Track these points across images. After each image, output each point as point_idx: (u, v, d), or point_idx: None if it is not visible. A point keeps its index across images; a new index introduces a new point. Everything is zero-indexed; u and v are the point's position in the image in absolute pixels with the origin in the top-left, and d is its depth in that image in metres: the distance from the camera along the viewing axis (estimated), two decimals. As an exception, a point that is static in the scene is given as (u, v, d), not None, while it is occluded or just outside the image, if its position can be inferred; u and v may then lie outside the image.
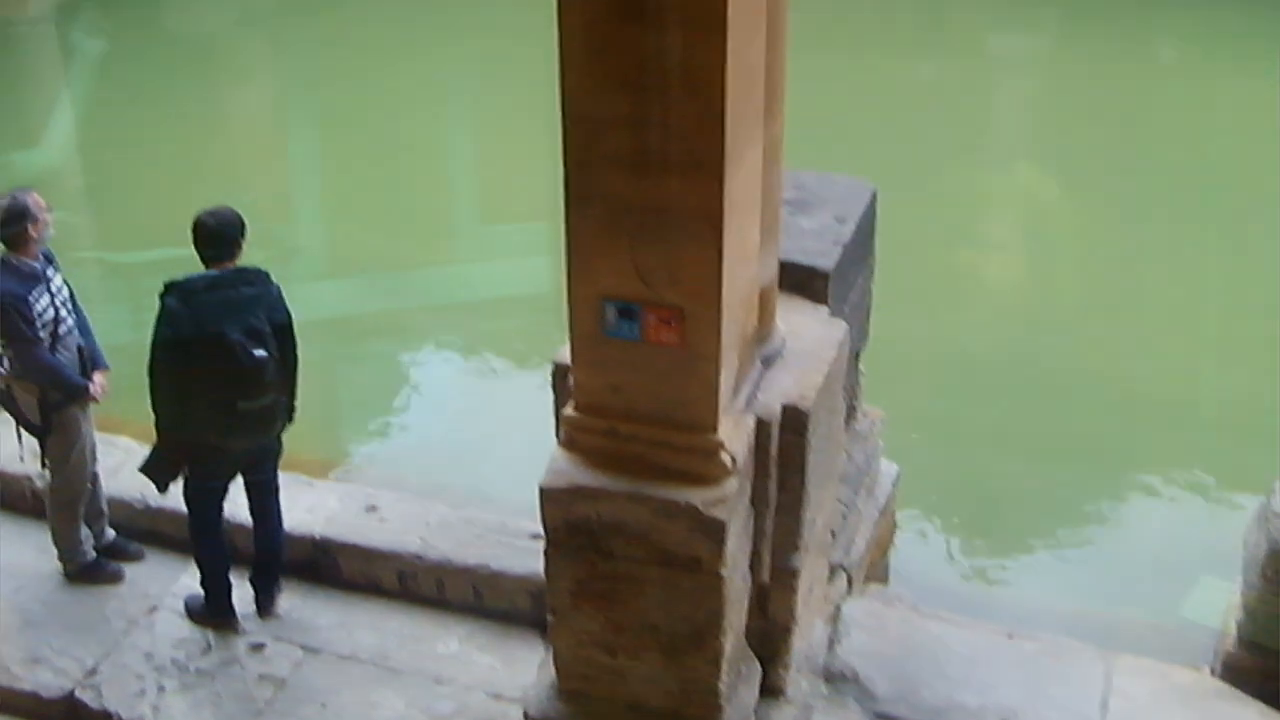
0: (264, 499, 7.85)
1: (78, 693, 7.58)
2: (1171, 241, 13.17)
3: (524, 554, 7.80)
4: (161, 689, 7.58)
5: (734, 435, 5.98)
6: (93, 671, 7.68)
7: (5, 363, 7.73)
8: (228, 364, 7.25)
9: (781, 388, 6.32)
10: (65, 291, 7.84)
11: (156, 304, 7.14)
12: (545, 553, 6.26)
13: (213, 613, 7.92)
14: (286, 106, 17.76)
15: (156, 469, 7.62)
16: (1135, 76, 16.45)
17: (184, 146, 15.27)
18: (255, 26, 19.28)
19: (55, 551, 8.22)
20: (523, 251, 13.45)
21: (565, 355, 6.14)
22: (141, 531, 8.48)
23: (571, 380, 6.06)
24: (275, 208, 14.18)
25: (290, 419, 7.69)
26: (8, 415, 8.00)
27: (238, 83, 17.99)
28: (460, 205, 15.13)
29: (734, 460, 5.95)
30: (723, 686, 6.33)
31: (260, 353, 7.28)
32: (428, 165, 15.49)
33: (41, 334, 7.64)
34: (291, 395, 7.63)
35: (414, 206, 14.40)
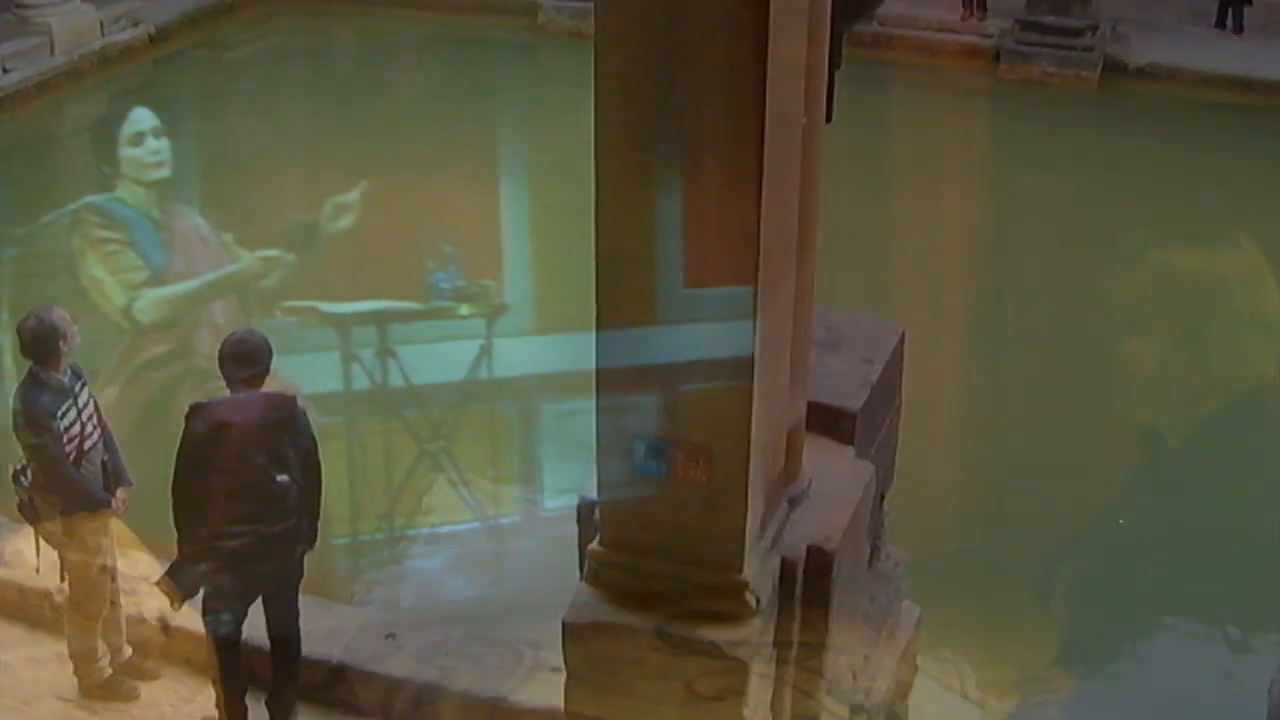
0: (283, 621, 7.81)
1: (88, 812, 7.53)
2: (1194, 383, 13.13)
3: (544, 687, 7.74)
4: (172, 811, 7.53)
5: (759, 575, 5.96)
6: (104, 791, 7.64)
7: (28, 475, 7.75)
8: (250, 488, 7.28)
9: (807, 528, 6.30)
10: (91, 406, 7.87)
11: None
12: (566, 687, 6.22)
13: (227, 735, 7.86)
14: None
15: (174, 584, 7.61)
16: (1167, 219, 16.45)
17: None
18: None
19: (72, 666, 8.18)
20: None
21: (591, 491, 6.14)
22: (159, 650, 8.43)
23: (598, 515, 6.06)
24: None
25: (312, 543, 7.69)
26: (29, 527, 8.01)
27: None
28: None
29: (758, 600, 5.91)
30: (740, 828, 6.25)
31: (283, 478, 7.31)
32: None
33: (66, 449, 7.66)
34: (314, 520, 7.63)
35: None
